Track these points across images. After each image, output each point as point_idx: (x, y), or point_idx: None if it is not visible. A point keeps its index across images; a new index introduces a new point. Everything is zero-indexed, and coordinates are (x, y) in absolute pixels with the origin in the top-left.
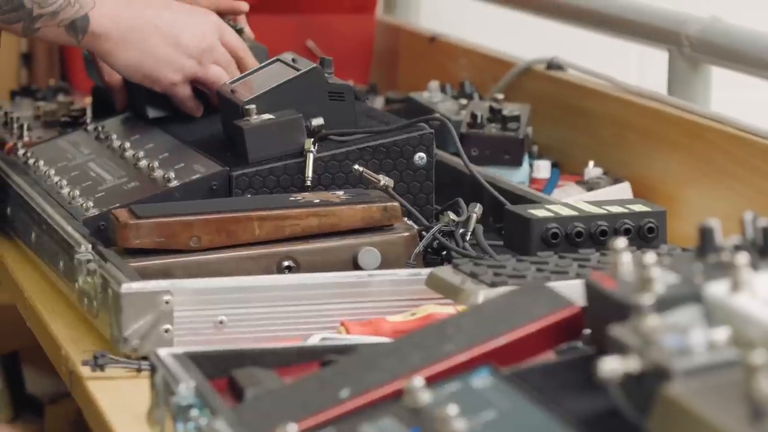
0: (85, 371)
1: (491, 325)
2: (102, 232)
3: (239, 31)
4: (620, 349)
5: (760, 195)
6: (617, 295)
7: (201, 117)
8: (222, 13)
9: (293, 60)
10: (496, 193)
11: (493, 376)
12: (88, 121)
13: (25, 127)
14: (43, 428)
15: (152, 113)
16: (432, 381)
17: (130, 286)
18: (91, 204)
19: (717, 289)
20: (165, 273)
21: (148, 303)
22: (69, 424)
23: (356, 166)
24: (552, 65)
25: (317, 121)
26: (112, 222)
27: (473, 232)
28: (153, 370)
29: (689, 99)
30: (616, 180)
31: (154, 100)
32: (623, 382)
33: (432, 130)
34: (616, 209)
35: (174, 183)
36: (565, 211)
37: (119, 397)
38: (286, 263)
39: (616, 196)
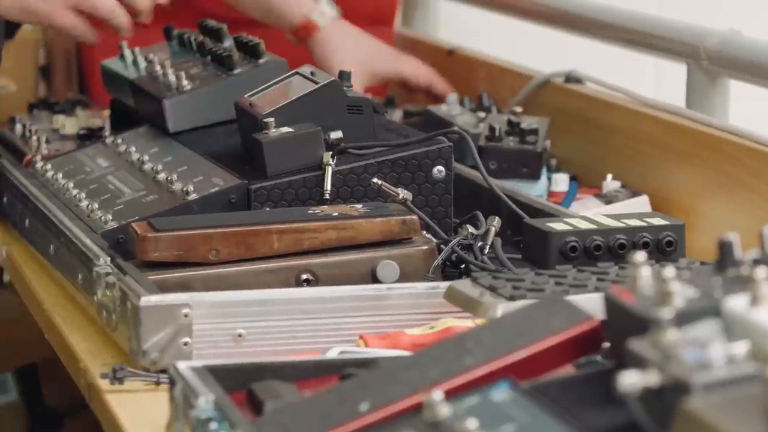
0: (103, 384)
1: (510, 338)
2: (121, 245)
3: (257, 45)
4: (640, 363)
5: None
6: (636, 309)
7: (219, 130)
8: None
9: (312, 73)
10: (514, 207)
11: (512, 389)
12: (107, 134)
13: (44, 140)
14: None
15: (171, 126)
16: (451, 394)
17: (149, 299)
18: (109, 217)
19: (736, 303)
20: (184, 286)
21: (167, 316)
22: None
23: (375, 180)
24: (570, 78)
25: (336, 135)
26: (131, 235)
27: (492, 246)
28: (172, 383)
29: (707, 112)
30: (635, 193)
31: (173, 113)
32: (643, 396)
33: (450, 144)
34: (634, 223)
35: (193, 196)
36: (584, 225)
37: (138, 410)
38: (304, 276)
39: (634, 210)
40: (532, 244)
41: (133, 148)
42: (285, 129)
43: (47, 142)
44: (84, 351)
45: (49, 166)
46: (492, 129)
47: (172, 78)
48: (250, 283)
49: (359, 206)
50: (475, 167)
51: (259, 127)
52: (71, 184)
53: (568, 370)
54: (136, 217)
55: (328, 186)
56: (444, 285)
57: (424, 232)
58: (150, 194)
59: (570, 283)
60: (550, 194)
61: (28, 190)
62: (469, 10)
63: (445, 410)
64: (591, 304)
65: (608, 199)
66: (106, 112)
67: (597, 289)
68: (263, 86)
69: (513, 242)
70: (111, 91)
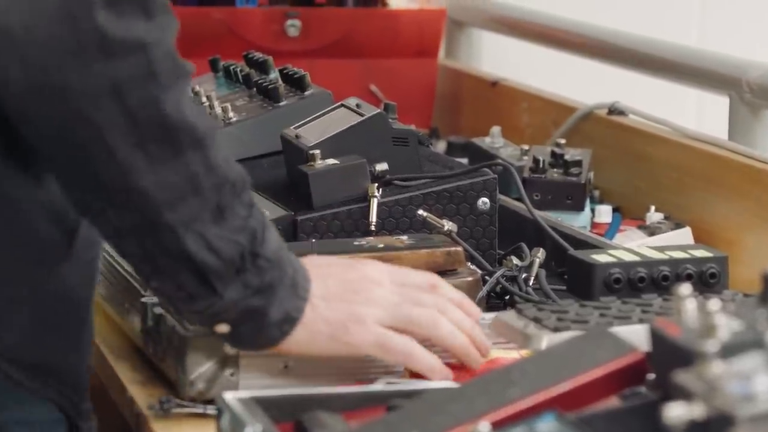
0: (150, 414)
1: (556, 370)
2: None
3: (303, 77)
4: (685, 395)
5: None
6: (682, 342)
7: (265, 161)
8: None
9: (357, 105)
10: (558, 238)
11: (558, 421)
12: None
13: None
14: None
15: None
16: (498, 426)
17: (196, 330)
18: None
19: None
20: None
21: (214, 347)
22: None
23: (420, 211)
24: (613, 110)
25: (381, 166)
26: None
27: (536, 277)
28: (219, 413)
29: (750, 144)
30: (677, 225)
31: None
32: (688, 429)
33: (495, 176)
34: (678, 255)
35: None
36: (627, 256)
37: None
38: None
39: (677, 241)
40: (576, 276)
41: None
42: (331, 161)
43: None
44: (131, 381)
45: None
46: (536, 161)
47: (218, 110)
48: None
49: (404, 238)
50: (519, 199)
51: (304, 159)
52: None
53: (613, 401)
54: None
55: (373, 217)
56: (489, 316)
57: (469, 263)
58: None
59: (614, 314)
60: (594, 226)
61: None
62: (513, 42)
63: None
64: (635, 335)
65: (651, 231)
66: None
67: (641, 321)
68: (309, 118)
69: (557, 274)
70: None
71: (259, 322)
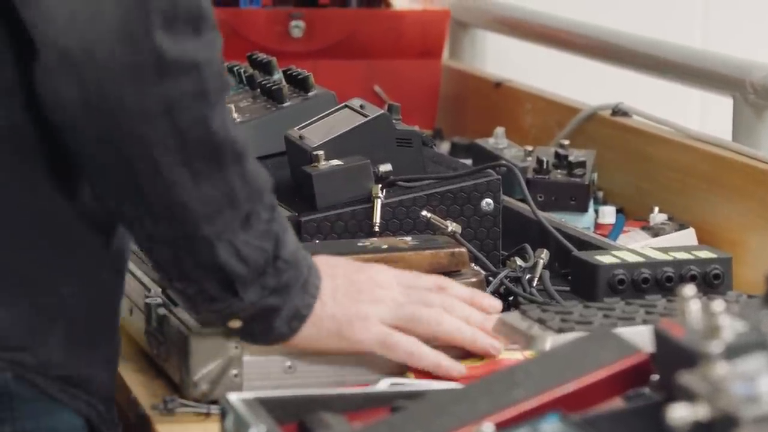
0: (154, 415)
1: (560, 371)
2: None
3: (306, 78)
4: (689, 396)
5: None
6: (686, 343)
7: (269, 162)
8: None
9: (361, 106)
10: (562, 239)
11: (562, 422)
12: None
13: None
14: None
15: None
16: (501, 427)
17: (200, 331)
18: None
19: None
20: None
21: (218, 348)
22: None
23: (424, 212)
24: (617, 111)
25: (385, 167)
26: None
27: (540, 278)
28: (223, 414)
29: (754, 145)
30: (681, 226)
31: None
32: (692, 430)
33: (499, 176)
34: (682, 256)
35: None
36: (632, 258)
37: None
38: None
39: (680, 242)
40: (580, 277)
41: None
42: (335, 162)
43: None
44: (134, 382)
45: None
46: (540, 161)
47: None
48: None
49: (408, 239)
50: (522, 200)
51: (308, 160)
52: None
53: (617, 403)
54: None
55: (377, 218)
56: (493, 317)
57: (473, 264)
58: None
59: (618, 315)
60: (598, 227)
61: None
62: (517, 43)
63: None
64: (639, 337)
65: (655, 232)
66: None
67: (645, 322)
68: (313, 119)
69: (561, 275)
70: None
71: (272, 319)
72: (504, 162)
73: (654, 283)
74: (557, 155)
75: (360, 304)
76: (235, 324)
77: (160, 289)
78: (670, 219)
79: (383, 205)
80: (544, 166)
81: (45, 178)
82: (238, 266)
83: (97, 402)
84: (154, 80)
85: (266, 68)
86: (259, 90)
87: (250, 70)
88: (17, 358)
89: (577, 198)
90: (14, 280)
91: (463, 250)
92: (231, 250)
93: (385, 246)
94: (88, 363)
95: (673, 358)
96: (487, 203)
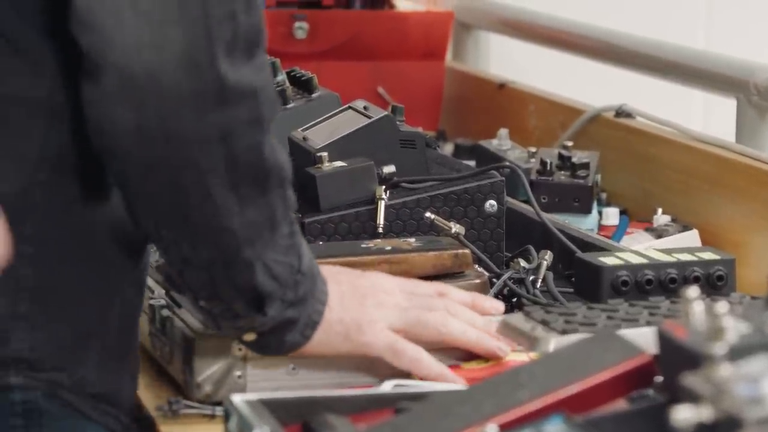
0: (158, 416)
1: (563, 372)
2: None
3: (310, 79)
4: (693, 397)
5: None
6: (689, 344)
7: None
8: None
9: (365, 107)
10: (566, 241)
11: (565, 423)
12: None
13: None
14: None
15: None
16: (505, 428)
17: (203, 333)
18: None
19: None
20: None
21: (221, 349)
22: None
23: (427, 214)
24: (620, 113)
25: (389, 169)
26: None
27: (544, 280)
28: (227, 415)
29: (757, 146)
30: (685, 227)
31: None
32: (696, 431)
33: (502, 178)
34: (685, 257)
35: None
36: (635, 259)
37: None
38: None
39: (684, 244)
40: (583, 279)
41: None
42: (338, 163)
43: None
44: (139, 383)
45: None
46: (543, 163)
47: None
48: None
49: (412, 240)
50: (526, 201)
51: (312, 161)
52: None
53: (620, 404)
54: None
55: (381, 220)
56: (496, 319)
57: (477, 265)
58: None
59: (622, 317)
60: (601, 228)
61: None
62: (520, 44)
63: None
64: (643, 338)
65: (658, 234)
66: None
67: (648, 324)
68: (316, 120)
69: (564, 276)
70: None
71: (287, 332)
72: (507, 163)
73: (657, 285)
74: (561, 157)
75: (366, 308)
76: (250, 337)
77: (163, 291)
78: (673, 220)
79: (387, 207)
80: (548, 168)
81: (83, 198)
82: (270, 285)
83: (122, 414)
84: (214, 108)
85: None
86: None
87: None
88: (54, 378)
89: (581, 199)
90: (52, 299)
91: (467, 251)
92: (265, 270)
93: (389, 247)
94: (117, 378)
95: (677, 360)
96: (491, 205)
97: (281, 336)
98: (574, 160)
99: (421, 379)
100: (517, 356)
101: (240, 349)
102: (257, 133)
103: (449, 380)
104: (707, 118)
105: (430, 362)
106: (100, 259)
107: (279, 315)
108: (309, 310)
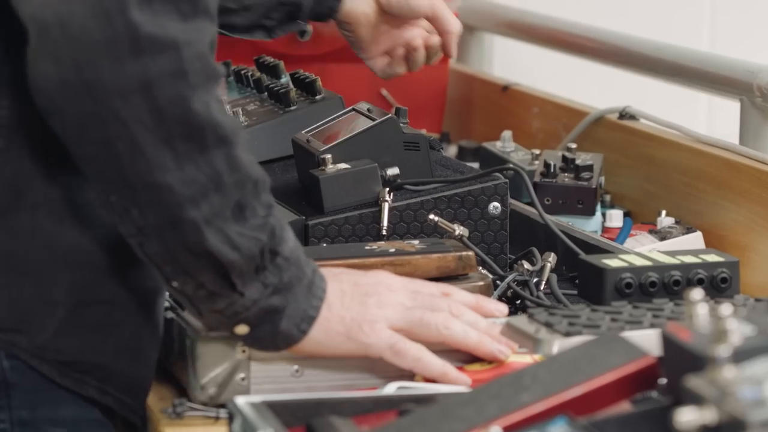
0: (163, 418)
1: (567, 375)
2: None
3: (314, 82)
4: (696, 400)
5: None
6: (693, 347)
7: (276, 166)
8: None
9: (368, 110)
10: (570, 243)
11: (569, 425)
12: None
13: None
14: None
15: None
16: (509, 430)
17: (207, 335)
18: None
19: None
20: None
21: (225, 352)
22: None
23: (431, 216)
24: (624, 115)
25: (392, 171)
26: None
27: (547, 282)
28: (231, 418)
29: (761, 149)
30: (689, 229)
31: None
32: None
33: (506, 180)
34: (689, 259)
35: None
36: (639, 261)
37: None
38: None
39: (688, 246)
40: (587, 281)
41: None
42: (342, 165)
43: None
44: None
45: None
46: (547, 165)
47: (229, 114)
48: None
49: (416, 242)
50: (530, 203)
51: (316, 164)
52: None
53: (624, 406)
54: None
55: (384, 222)
56: (500, 321)
57: (480, 268)
58: None
59: (625, 319)
60: (605, 230)
61: None
62: (524, 46)
63: None
64: (647, 340)
65: (662, 236)
66: None
67: (652, 326)
68: (320, 122)
69: (568, 278)
70: None
71: (278, 322)
72: (511, 165)
73: (661, 287)
74: (564, 159)
75: (368, 307)
76: (242, 330)
77: (167, 293)
78: (677, 222)
79: (391, 209)
80: (552, 170)
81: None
82: (230, 253)
83: (111, 388)
84: (129, 56)
85: (274, 72)
86: (266, 93)
87: (258, 74)
88: (12, 339)
89: (585, 201)
90: (13, 263)
91: (471, 253)
92: (222, 238)
93: (393, 249)
94: (99, 351)
95: (681, 362)
96: (495, 207)
97: (272, 327)
98: (578, 162)
99: (425, 378)
100: (520, 358)
101: (243, 351)
102: (181, 86)
103: (453, 378)
104: (711, 120)
105: (432, 361)
106: (102, 237)
107: (261, 299)
108: (302, 304)
